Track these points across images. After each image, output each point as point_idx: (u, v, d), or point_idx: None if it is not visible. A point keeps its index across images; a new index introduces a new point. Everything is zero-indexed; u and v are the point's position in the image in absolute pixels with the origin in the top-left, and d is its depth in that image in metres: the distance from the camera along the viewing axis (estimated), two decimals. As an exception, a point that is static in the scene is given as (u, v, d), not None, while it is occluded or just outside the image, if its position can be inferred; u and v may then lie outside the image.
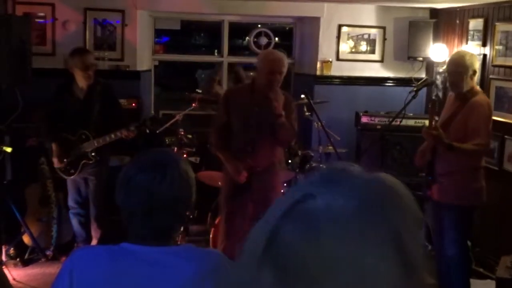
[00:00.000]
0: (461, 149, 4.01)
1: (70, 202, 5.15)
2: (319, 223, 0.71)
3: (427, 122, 5.76)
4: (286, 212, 0.73)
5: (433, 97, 4.64)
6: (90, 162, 4.92)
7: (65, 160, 4.95)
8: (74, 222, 5.18)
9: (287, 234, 0.72)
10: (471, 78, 4.09)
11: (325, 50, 6.55)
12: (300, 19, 6.93)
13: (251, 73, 6.96)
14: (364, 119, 6.04)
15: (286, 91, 4.59)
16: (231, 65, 7.07)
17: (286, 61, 4.32)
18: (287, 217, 0.73)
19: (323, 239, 0.70)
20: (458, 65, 4.12)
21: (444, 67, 4.86)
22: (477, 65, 4.15)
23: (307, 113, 5.73)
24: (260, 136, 4.22)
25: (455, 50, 5.80)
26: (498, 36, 5.31)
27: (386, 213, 0.72)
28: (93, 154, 4.89)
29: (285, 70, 4.25)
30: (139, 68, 6.31)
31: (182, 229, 4.04)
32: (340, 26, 6.54)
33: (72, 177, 5.00)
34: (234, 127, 4.30)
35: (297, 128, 4.36)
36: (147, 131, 4.81)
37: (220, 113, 4.42)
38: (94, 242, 5.11)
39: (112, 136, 4.79)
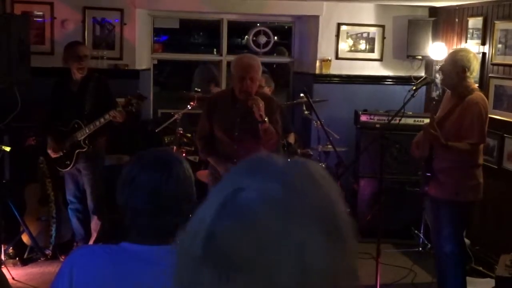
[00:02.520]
0: (455, 148, 4.05)
1: (69, 196, 5.17)
2: (254, 214, 0.75)
3: (426, 120, 5.79)
4: (219, 210, 0.76)
5: (435, 97, 4.63)
6: (84, 150, 4.93)
7: (61, 152, 4.98)
8: (73, 219, 5.20)
9: (225, 232, 0.75)
10: (461, 76, 4.07)
11: (324, 49, 6.55)
12: (299, 18, 6.93)
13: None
14: (363, 118, 6.04)
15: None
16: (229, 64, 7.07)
17: (259, 65, 4.18)
18: (221, 215, 0.76)
19: (259, 227, 0.74)
20: (447, 61, 4.20)
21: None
22: (472, 63, 4.08)
23: (306, 112, 5.73)
24: (245, 145, 4.15)
25: (457, 47, 5.80)
26: (497, 35, 5.31)
27: (308, 192, 0.78)
28: (86, 142, 4.91)
29: (257, 75, 4.13)
30: (138, 67, 6.30)
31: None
32: (339, 25, 6.54)
33: (68, 169, 5.02)
34: (217, 137, 4.26)
35: (280, 130, 4.30)
36: (133, 110, 4.78)
37: (203, 121, 4.33)
38: (93, 236, 5.13)
39: (102, 120, 4.81)
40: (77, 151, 4.95)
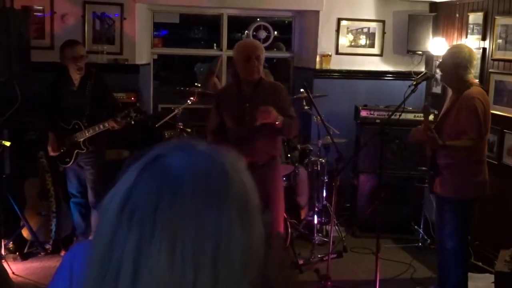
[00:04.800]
0: (453, 147, 4.04)
1: (71, 190, 5.20)
2: (176, 178, 0.77)
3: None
4: (140, 170, 0.79)
5: (424, 103, 4.65)
6: (83, 151, 4.96)
7: (61, 149, 4.99)
8: (75, 212, 5.21)
9: (141, 188, 0.77)
10: (460, 72, 4.06)
11: (324, 44, 6.54)
12: (299, 13, 6.92)
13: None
14: (364, 113, 6.04)
15: (281, 83, 4.58)
16: (230, 59, 7.06)
17: (262, 47, 4.31)
18: (141, 174, 0.79)
19: (179, 193, 0.76)
20: (446, 58, 4.20)
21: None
22: (471, 60, 4.08)
23: (306, 107, 5.73)
24: (256, 131, 4.17)
25: (454, 43, 5.79)
26: (497, 30, 5.30)
27: (232, 177, 0.81)
28: (85, 143, 4.96)
29: (261, 55, 4.20)
30: (138, 62, 6.30)
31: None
32: (339, 20, 6.53)
33: (68, 165, 5.04)
34: (228, 126, 4.29)
35: (294, 113, 4.34)
36: (132, 122, 4.81)
37: (212, 115, 4.40)
38: (93, 231, 5.13)
39: (101, 126, 4.88)
40: (76, 151, 4.99)
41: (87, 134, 4.93)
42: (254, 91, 4.24)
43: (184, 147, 0.82)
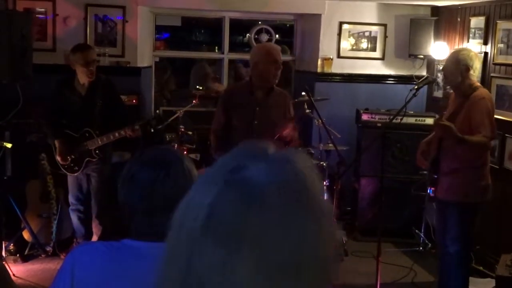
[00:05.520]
0: (470, 141, 3.98)
1: (71, 199, 5.15)
2: (261, 192, 0.75)
3: (427, 120, 5.77)
4: (220, 185, 0.76)
5: (443, 96, 4.62)
6: (94, 160, 4.91)
7: (69, 158, 4.94)
8: (74, 218, 5.19)
9: (226, 204, 0.75)
10: (464, 74, 4.07)
11: (326, 47, 6.54)
12: (301, 16, 6.92)
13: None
14: (365, 117, 6.04)
15: (285, 88, 4.60)
16: (231, 62, 7.07)
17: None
18: (222, 189, 0.76)
19: (264, 205, 0.74)
20: (450, 61, 4.20)
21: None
22: (474, 62, 4.09)
23: (307, 110, 5.73)
24: (263, 136, 4.17)
25: (459, 47, 5.80)
26: (499, 34, 5.30)
27: (310, 180, 0.80)
28: (97, 152, 4.89)
29: (281, 60, 4.21)
30: (139, 64, 6.30)
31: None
32: (341, 23, 6.54)
33: (75, 174, 5.00)
34: (235, 127, 4.25)
35: (294, 124, 4.37)
36: (152, 130, 4.77)
37: (218, 114, 4.35)
38: (95, 238, 5.12)
39: (116, 134, 4.78)
40: (87, 159, 4.92)
41: (99, 143, 4.84)
42: (266, 97, 4.21)
43: (259, 155, 0.80)
